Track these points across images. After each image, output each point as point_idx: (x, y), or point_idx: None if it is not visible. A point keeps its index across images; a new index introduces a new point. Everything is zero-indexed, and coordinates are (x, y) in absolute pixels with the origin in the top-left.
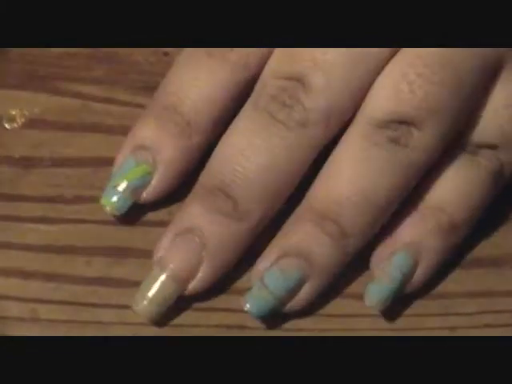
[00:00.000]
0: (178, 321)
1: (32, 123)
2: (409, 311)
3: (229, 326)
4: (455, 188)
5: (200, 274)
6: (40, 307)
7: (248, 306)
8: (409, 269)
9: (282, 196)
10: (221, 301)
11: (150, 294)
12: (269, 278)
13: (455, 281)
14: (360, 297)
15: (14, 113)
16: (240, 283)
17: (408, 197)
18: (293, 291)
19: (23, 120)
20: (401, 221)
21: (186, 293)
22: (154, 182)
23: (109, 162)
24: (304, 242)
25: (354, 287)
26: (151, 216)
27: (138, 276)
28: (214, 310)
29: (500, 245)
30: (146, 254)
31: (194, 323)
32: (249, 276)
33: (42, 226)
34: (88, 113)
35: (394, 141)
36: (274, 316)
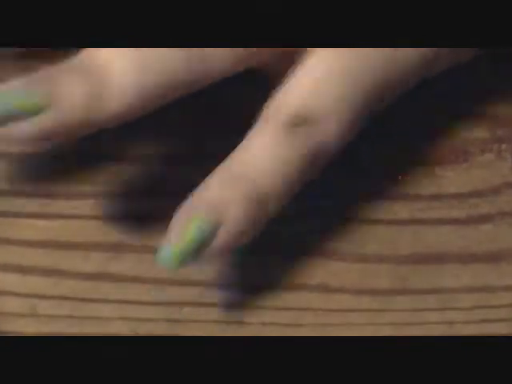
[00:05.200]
0: (176, 316)
1: None
2: (406, 306)
3: (228, 322)
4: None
5: None
6: (39, 303)
7: None
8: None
9: None
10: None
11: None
12: None
13: (453, 275)
14: (359, 292)
15: None
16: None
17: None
18: None
19: None
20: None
21: None
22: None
23: (107, 156)
24: None
25: (352, 282)
26: (150, 211)
27: (136, 271)
28: (213, 305)
29: (497, 239)
30: (144, 249)
31: (193, 319)
32: (248, 272)
33: (41, 222)
34: None
35: None
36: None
